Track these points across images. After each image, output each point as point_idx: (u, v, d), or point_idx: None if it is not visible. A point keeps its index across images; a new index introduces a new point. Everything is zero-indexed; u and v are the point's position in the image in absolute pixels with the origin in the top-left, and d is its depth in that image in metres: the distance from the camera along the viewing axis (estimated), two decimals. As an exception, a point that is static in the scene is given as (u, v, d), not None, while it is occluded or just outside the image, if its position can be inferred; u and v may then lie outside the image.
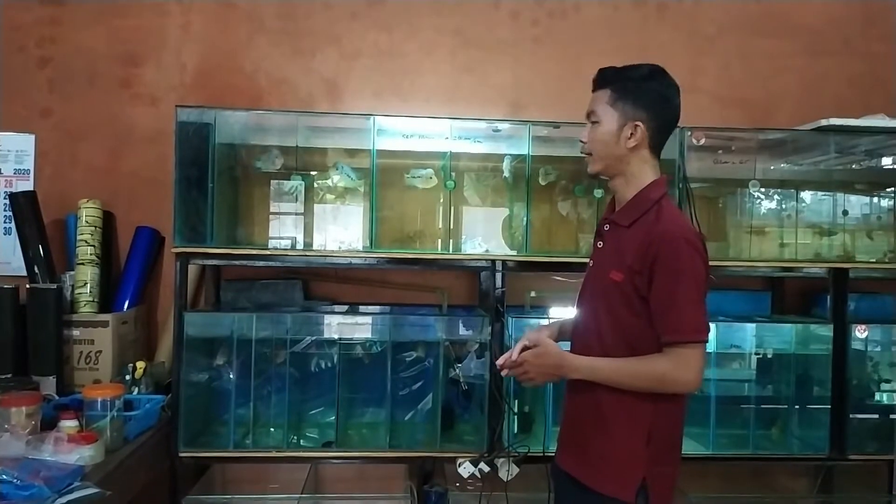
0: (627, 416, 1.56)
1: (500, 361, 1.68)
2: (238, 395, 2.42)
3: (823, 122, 2.54)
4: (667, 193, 1.63)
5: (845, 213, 2.71)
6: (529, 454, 2.35)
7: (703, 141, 2.50)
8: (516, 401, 2.47)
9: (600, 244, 1.70)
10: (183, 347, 2.33)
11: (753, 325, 2.61)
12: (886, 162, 2.84)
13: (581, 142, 1.67)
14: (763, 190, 2.72)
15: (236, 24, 2.86)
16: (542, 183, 2.66)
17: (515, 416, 2.45)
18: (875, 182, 2.85)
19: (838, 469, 2.67)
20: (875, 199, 2.86)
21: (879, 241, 2.76)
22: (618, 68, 1.64)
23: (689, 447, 2.51)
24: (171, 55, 2.84)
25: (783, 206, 2.79)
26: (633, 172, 1.62)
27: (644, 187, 1.61)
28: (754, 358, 2.59)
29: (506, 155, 2.63)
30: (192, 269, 2.60)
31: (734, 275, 2.56)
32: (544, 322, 1.81)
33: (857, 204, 2.80)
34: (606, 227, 1.68)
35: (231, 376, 2.44)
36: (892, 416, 2.56)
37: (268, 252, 2.46)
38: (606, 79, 1.63)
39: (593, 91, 1.66)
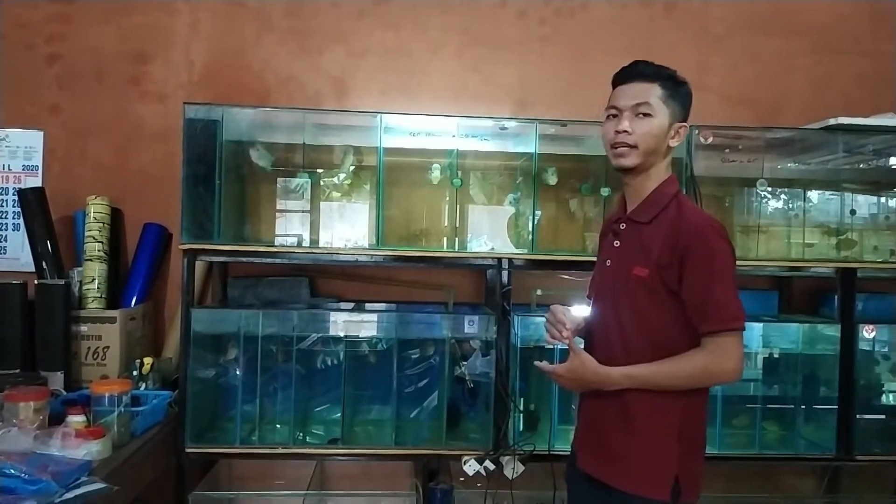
0: (657, 414, 1.54)
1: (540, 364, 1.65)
2: (245, 391, 2.43)
3: (832, 121, 2.53)
4: (679, 189, 1.64)
5: (853, 212, 2.70)
6: (535, 452, 2.35)
7: (710, 139, 2.49)
8: (522, 399, 2.46)
9: (617, 243, 1.67)
10: (190, 344, 2.34)
11: (760, 324, 2.59)
12: (895, 161, 2.82)
13: (624, 132, 1.58)
14: (770, 189, 2.71)
15: (244, 23, 2.87)
16: (551, 183, 2.66)
17: (521, 414, 2.45)
18: (883, 182, 2.83)
19: (845, 469, 2.67)
20: (883, 199, 2.84)
21: (885, 241, 2.74)
22: (658, 66, 1.62)
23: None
24: (179, 53, 2.85)
25: (791, 205, 2.78)
26: (659, 169, 1.63)
27: (660, 183, 1.62)
28: (761, 357, 2.58)
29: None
30: (200, 266, 2.61)
31: (741, 274, 2.50)
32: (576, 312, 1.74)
33: (864, 203, 2.78)
34: (622, 226, 1.66)
35: (238, 373, 2.45)
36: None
37: (275, 249, 2.46)
38: (651, 74, 1.60)
39: (629, 81, 1.61)
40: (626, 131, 1.57)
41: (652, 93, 1.58)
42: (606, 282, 1.68)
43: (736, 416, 2.57)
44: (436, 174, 2.58)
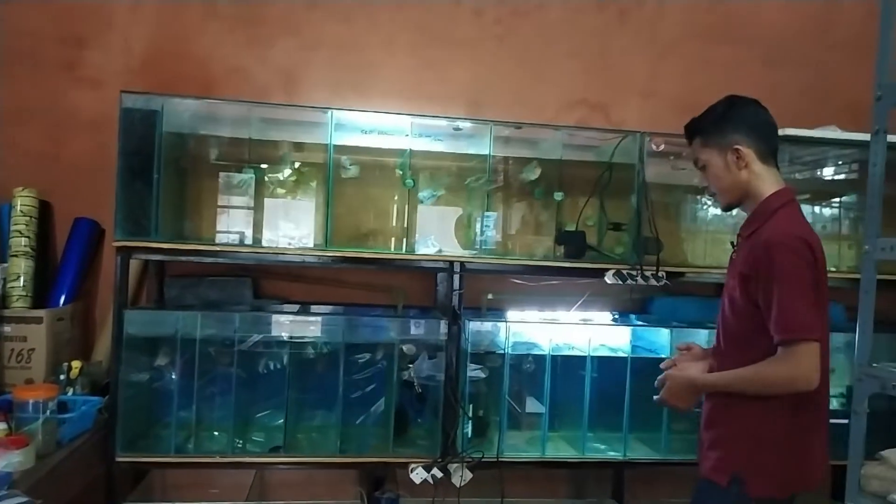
0: (734, 414, 1.68)
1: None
2: (181, 397, 2.31)
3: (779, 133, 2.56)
4: (791, 202, 1.71)
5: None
6: (483, 459, 2.32)
7: (661, 147, 2.51)
8: (471, 405, 2.43)
9: (734, 255, 1.82)
10: (122, 346, 2.23)
11: (706, 331, 2.62)
12: (832, 172, 2.90)
13: (703, 187, 1.87)
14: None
15: (188, 9, 2.74)
16: (531, 178, 2.65)
17: (470, 421, 2.42)
18: (822, 192, 2.91)
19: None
20: (821, 209, 2.92)
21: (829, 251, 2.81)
22: (697, 118, 1.79)
23: (642, 452, 2.53)
24: (117, 38, 2.71)
25: (735, 213, 2.81)
26: (754, 188, 1.72)
27: (764, 198, 1.71)
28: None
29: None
30: (134, 265, 2.49)
31: (690, 281, 2.57)
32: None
33: (807, 213, 2.84)
34: (738, 239, 1.80)
35: (173, 377, 2.33)
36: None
37: (217, 248, 2.35)
38: (693, 131, 1.79)
39: (689, 145, 1.83)
40: (704, 186, 1.84)
41: (695, 148, 1.79)
42: (723, 291, 1.83)
43: (681, 421, 2.59)
44: (352, 171, 2.53)
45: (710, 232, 2.78)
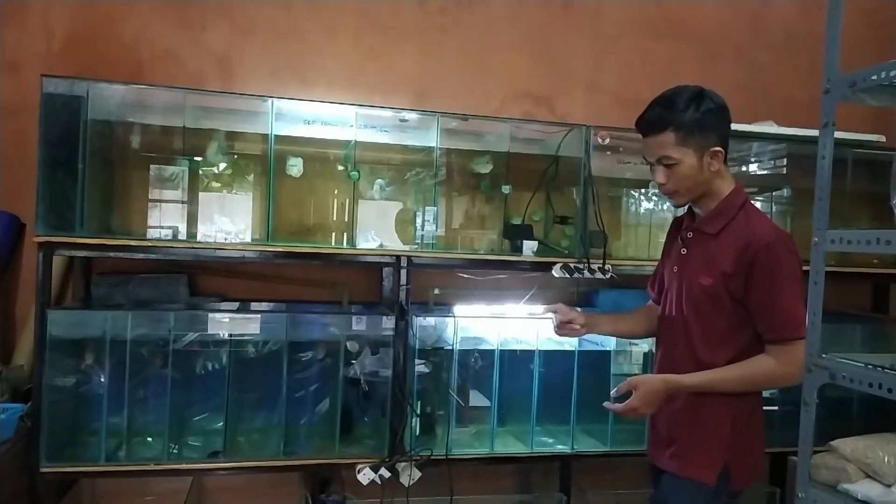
0: (714, 409, 1.67)
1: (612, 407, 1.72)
2: (111, 401, 2.17)
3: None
4: (748, 198, 1.72)
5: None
6: (432, 457, 2.28)
7: (607, 140, 2.51)
8: (419, 402, 2.38)
9: (684, 251, 1.78)
10: (46, 349, 2.07)
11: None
12: (765, 167, 3.00)
13: (660, 184, 1.71)
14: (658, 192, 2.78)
15: (113, -12, 2.57)
16: (483, 171, 2.62)
17: (418, 418, 2.37)
18: (761, 186, 2.99)
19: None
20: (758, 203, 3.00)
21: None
22: (663, 108, 1.65)
23: (588, 444, 2.54)
24: (36, 18, 2.51)
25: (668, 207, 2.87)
26: (718, 186, 1.71)
27: (725, 196, 1.70)
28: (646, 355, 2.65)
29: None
30: (58, 261, 2.32)
31: (630, 274, 2.58)
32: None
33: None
34: (690, 235, 1.77)
35: (102, 381, 2.18)
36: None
37: (149, 244, 2.21)
38: (661, 124, 1.65)
39: (645, 136, 1.70)
40: (662, 183, 1.71)
41: (667, 142, 1.65)
42: (672, 287, 1.80)
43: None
44: (297, 168, 2.42)
45: (648, 225, 2.82)
